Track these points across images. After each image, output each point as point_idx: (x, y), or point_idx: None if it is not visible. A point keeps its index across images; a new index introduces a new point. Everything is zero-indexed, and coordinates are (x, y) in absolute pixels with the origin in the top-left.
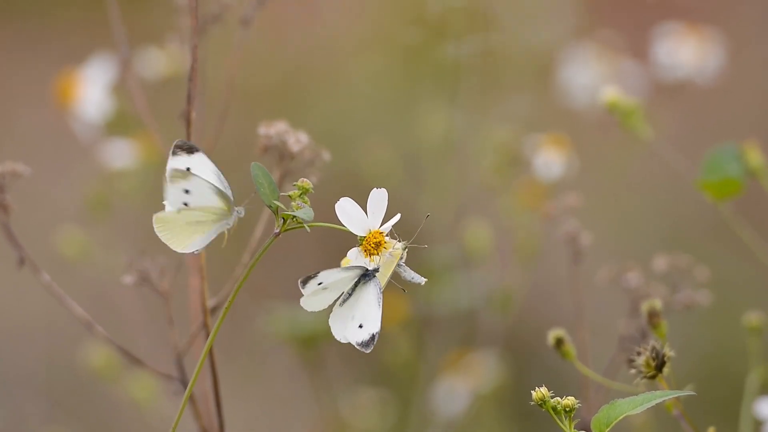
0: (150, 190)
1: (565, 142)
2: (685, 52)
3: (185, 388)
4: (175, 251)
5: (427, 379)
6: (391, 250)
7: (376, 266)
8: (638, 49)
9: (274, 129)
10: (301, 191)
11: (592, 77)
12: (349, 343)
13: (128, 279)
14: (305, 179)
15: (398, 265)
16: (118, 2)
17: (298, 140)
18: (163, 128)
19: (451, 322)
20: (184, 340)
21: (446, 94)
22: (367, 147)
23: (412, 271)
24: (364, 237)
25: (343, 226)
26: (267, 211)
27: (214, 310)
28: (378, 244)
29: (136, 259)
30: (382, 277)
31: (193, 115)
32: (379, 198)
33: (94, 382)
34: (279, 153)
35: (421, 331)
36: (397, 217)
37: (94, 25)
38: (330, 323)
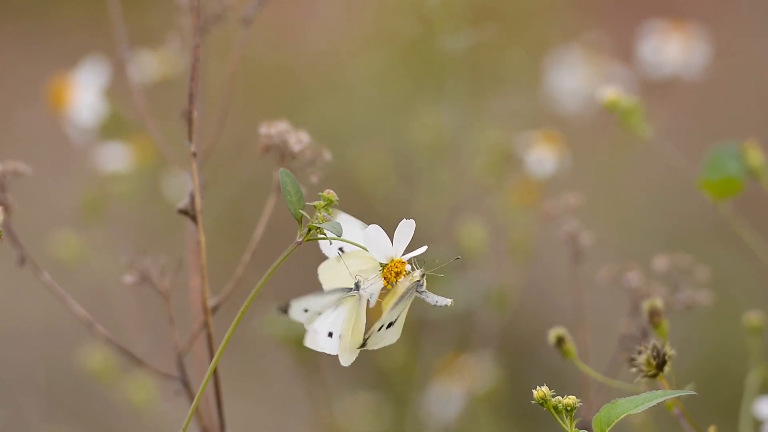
0: (146, 193)
1: (557, 139)
2: (671, 49)
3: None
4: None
5: (423, 381)
6: (409, 278)
7: (357, 283)
8: (630, 47)
9: (275, 128)
10: (326, 202)
11: (580, 81)
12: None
13: (129, 278)
14: (330, 190)
15: (420, 291)
16: (118, 1)
17: (299, 140)
18: (160, 129)
19: (447, 323)
20: (185, 339)
21: (442, 95)
22: (364, 147)
23: (435, 295)
24: (386, 264)
25: (364, 247)
26: (267, 211)
27: (215, 309)
28: (398, 273)
29: (137, 258)
30: (400, 308)
31: (195, 114)
32: (406, 228)
33: (94, 382)
34: (280, 152)
35: (417, 332)
36: (424, 249)
37: (94, 24)
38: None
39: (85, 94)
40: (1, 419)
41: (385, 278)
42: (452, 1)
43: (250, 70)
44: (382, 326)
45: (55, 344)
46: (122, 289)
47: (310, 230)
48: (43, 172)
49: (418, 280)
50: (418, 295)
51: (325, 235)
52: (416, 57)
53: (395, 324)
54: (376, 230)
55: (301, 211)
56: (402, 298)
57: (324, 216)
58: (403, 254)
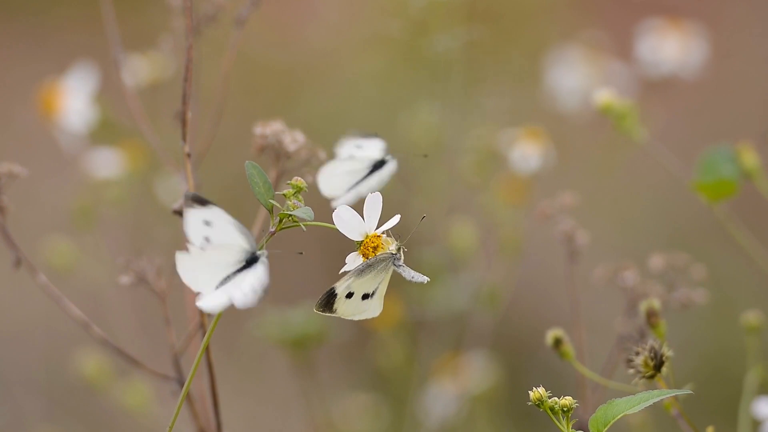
0: (140, 194)
1: (541, 135)
2: (668, 47)
3: (182, 388)
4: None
5: (420, 381)
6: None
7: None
8: (628, 47)
9: (270, 128)
10: (295, 190)
11: (579, 80)
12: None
13: (125, 279)
14: (299, 178)
15: (397, 265)
16: (113, 2)
17: (294, 139)
18: (154, 130)
19: (444, 324)
20: (181, 340)
21: (439, 95)
22: None
23: (412, 271)
24: (362, 241)
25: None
26: (263, 210)
27: None
28: (376, 248)
29: (133, 259)
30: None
31: (189, 115)
32: (373, 202)
33: (93, 384)
34: (275, 152)
35: (414, 333)
36: (396, 218)
37: (92, 23)
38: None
39: (73, 101)
40: (1, 419)
41: (363, 255)
42: (451, 1)
43: (249, 70)
44: (351, 294)
45: (55, 345)
46: (118, 291)
47: (282, 219)
48: (42, 172)
49: (394, 253)
50: (396, 269)
51: (297, 221)
52: (414, 57)
53: (375, 296)
54: (345, 210)
55: (270, 201)
56: (376, 269)
57: (295, 203)
58: (377, 228)
